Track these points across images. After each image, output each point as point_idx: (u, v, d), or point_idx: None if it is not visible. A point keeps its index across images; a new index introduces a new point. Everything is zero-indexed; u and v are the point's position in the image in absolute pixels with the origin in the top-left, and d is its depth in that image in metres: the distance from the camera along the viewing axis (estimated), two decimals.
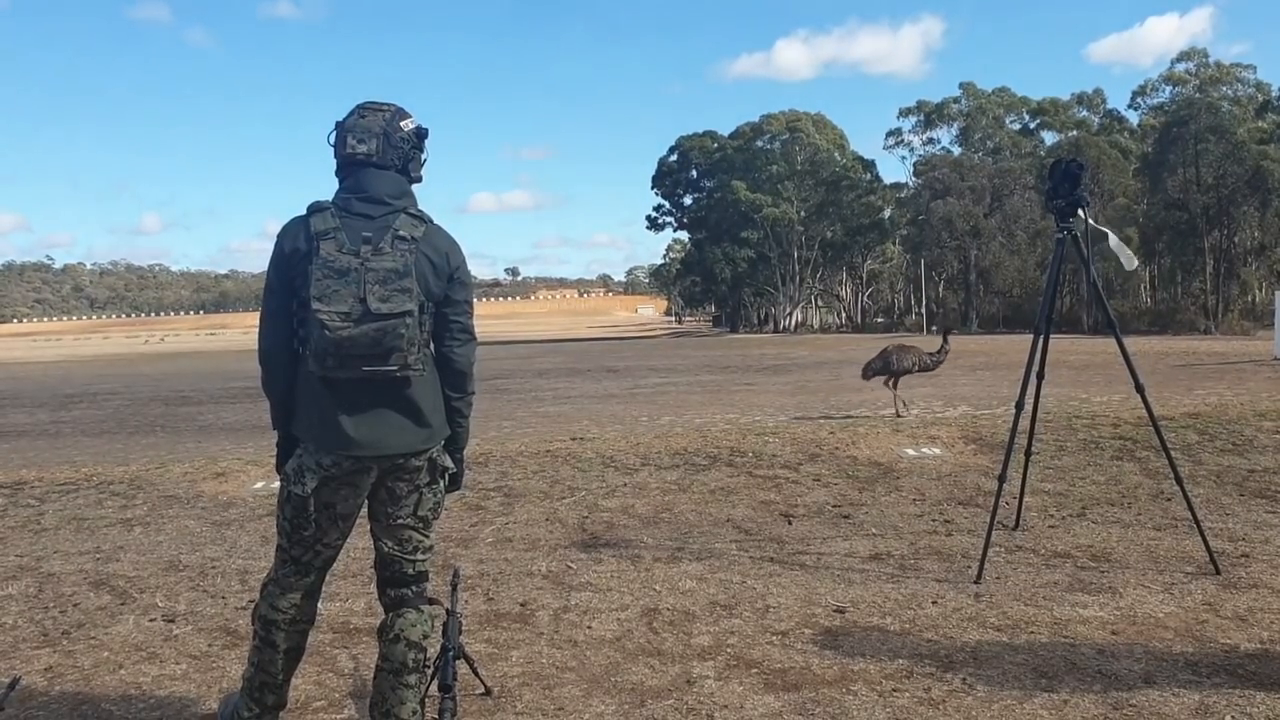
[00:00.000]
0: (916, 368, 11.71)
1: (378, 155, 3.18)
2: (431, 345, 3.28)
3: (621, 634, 4.48)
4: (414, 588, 3.35)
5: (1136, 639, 4.24)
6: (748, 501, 6.90)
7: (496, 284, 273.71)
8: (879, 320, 78.83)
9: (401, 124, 3.23)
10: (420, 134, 3.30)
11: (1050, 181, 5.34)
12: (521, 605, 4.93)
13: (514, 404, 14.81)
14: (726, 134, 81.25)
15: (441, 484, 3.37)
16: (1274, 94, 64.09)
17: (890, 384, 11.65)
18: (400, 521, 3.29)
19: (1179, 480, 5.34)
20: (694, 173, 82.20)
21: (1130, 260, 5.55)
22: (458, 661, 3.62)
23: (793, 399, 13.90)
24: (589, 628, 4.57)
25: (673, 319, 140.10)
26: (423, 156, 3.34)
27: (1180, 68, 69.20)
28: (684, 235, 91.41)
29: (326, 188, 3.35)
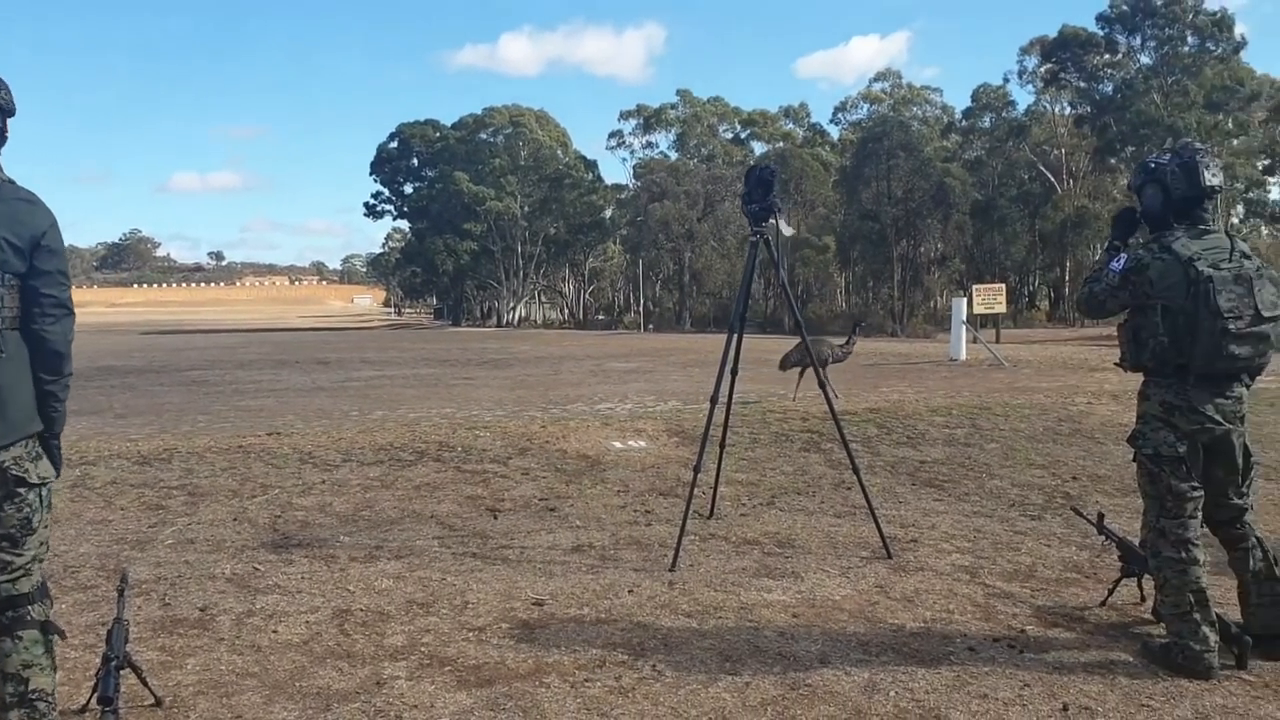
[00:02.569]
0: (831, 359, 12.52)
1: None
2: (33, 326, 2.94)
3: (310, 637, 4.28)
4: (13, 612, 2.97)
5: (815, 621, 4.49)
6: (454, 497, 6.80)
7: (199, 268, 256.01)
8: (600, 317, 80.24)
9: None
10: None
11: (746, 186, 5.57)
12: (201, 610, 4.62)
13: (211, 397, 13.94)
14: (449, 124, 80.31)
15: (27, 497, 2.95)
16: (957, 116, 70.52)
17: (815, 374, 11.93)
18: None
19: (856, 471, 5.72)
20: (415, 161, 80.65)
21: (788, 228, 5.84)
22: (124, 671, 3.35)
23: (512, 394, 13.86)
24: (274, 632, 4.35)
25: (392, 310, 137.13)
26: None
27: (877, 87, 74.82)
28: (404, 224, 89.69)
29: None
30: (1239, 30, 58.20)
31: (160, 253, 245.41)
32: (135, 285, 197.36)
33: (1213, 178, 3.98)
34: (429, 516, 6.34)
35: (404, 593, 4.88)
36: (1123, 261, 3.99)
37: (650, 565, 5.33)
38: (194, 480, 7.06)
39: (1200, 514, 4.07)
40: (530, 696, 3.66)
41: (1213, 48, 57.51)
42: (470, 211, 74.48)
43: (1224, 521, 4.16)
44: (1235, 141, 60.00)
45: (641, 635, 4.27)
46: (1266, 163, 63.59)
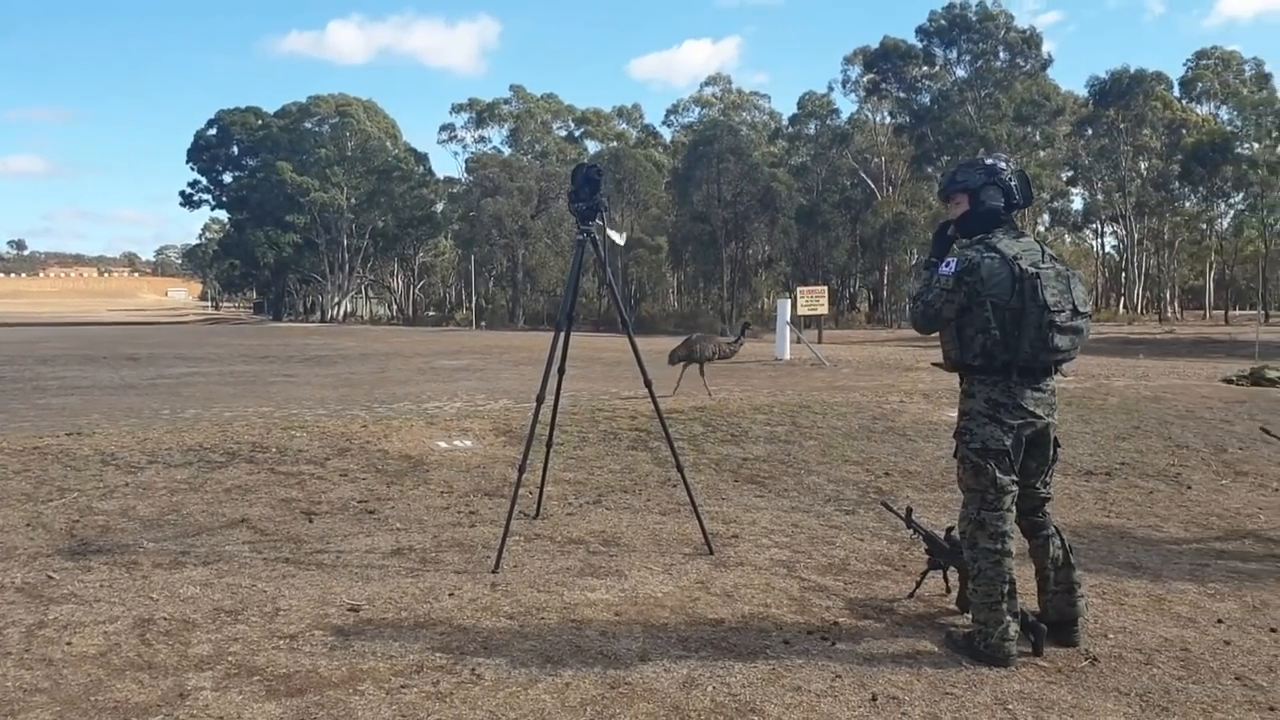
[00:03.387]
0: (717, 355, 13.03)
1: None
2: None
3: (108, 648, 4.04)
4: None
5: (637, 619, 4.51)
6: (267, 500, 6.53)
7: None
8: (430, 313, 79.09)
9: None
10: None
11: (573, 185, 5.56)
12: None
13: (8, 395, 13.01)
14: (272, 112, 77.55)
15: None
16: (784, 123, 72.56)
17: (699, 370, 12.84)
18: None
19: (680, 468, 5.80)
20: (236, 149, 77.58)
21: (620, 237, 5.89)
22: None
23: (335, 392, 13.46)
24: (69, 644, 4.09)
25: (209, 304, 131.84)
26: None
27: (708, 91, 76.28)
28: (223, 215, 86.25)
29: None
30: (1046, 48, 62.04)
31: None
32: None
33: (1032, 190, 4.34)
34: (240, 520, 6.08)
35: (211, 600, 4.66)
36: (954, 265, 4.16)
37: (473, 567, 5.25)
38: None
39: (1015, 507, 4.30)
40: (343, 705, 3.56)
41: (1022, 63, 61.00)
42: (293, 202, 72.13)
43: (1028, 511, 4.40)
44: (1042, 153, 63.81)
45: (461, 639, 4.20)
46: (1069, 174, 67.83)
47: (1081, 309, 4.15)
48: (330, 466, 7.32)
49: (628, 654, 4.09)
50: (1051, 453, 4.37)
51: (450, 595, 4.78)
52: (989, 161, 4.34)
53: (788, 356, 19.62)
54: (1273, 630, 4.65)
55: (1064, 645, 4.29)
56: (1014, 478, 4.23)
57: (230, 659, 3.96)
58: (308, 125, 76.16)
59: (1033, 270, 4.06)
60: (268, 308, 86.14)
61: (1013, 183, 4.25)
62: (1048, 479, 4.41)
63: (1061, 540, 4.41)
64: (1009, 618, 4.15)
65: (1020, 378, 4.14)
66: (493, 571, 5.14)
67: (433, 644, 4.14)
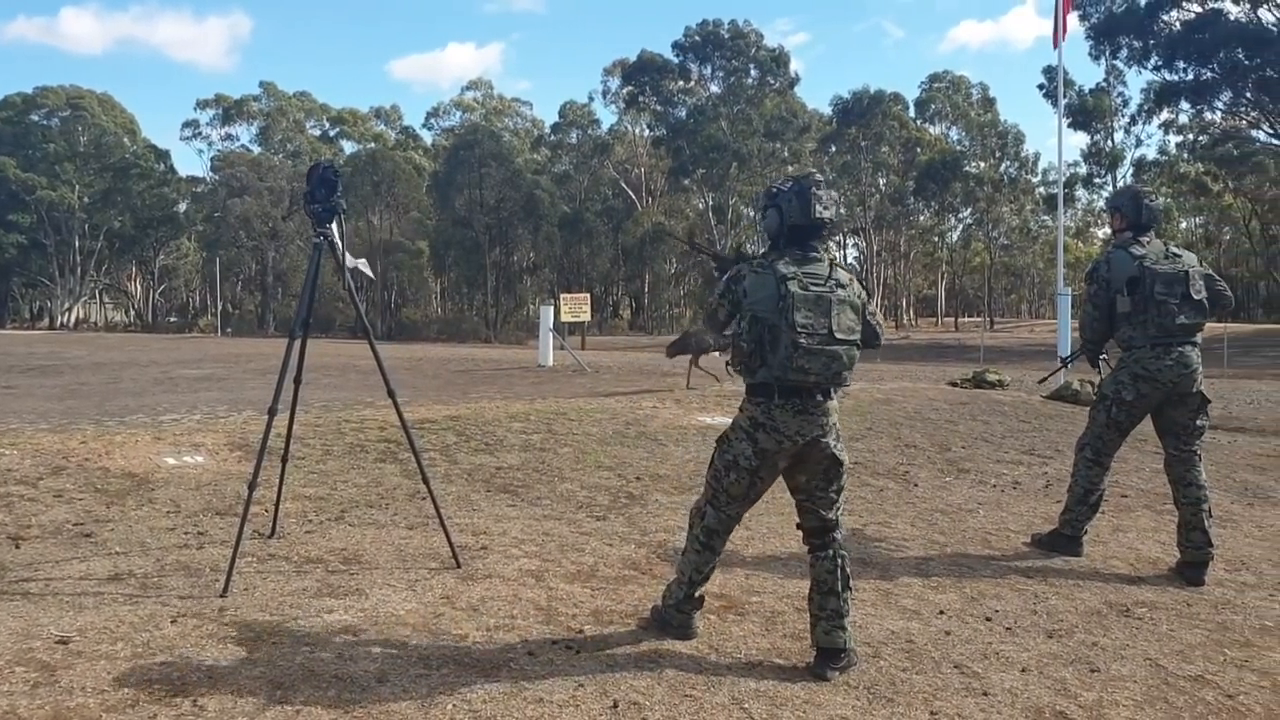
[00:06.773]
0: (714, 346, 13.39)
1: None
2: None
3: None
4: None
5: (377, 639, 4.35)
6: None
7: None
8: (173, 319, 74.72)
9: None
10: None
11: (308, 185, 5.32)
12: None
13: None
14: None
15: None
16: (547, 131, 72.91)
17: (693, 362, 13.57)
18: None
19: (425, 479, 5.64)
20: None
21: (363, 265, 5.74)
22: None
23: (59, 404, 12.38)
24: None
25: None
26: None
27: (469, 95, 75.72)
28: None
29: None
30: (794, 67, 65.20)
31: None
32: None
33: (823, 210, 4.25)
34: None
35: None
36: (727, 274, 4.39)
37: (199, 592, 4.92)
38: None
39: (740, 517, 4.50)
40: None
41: (772, 81, 63.84)
42: (18, 200, 66.47)
43: (811, 531, 4.43)
44: (790, 168, 66.92)
45: (183, 669, 3.92)
46: None
47: (841, 335, 4.14)
48: (43, 486, 6.70)
49: (365, 676, 3.93)
50: (830, 471, 4.32)
51: (172, 622, 4.45)
52: (772, 185, 4.42)
53: (550, 363, 19.65)
54: (988, 619, 5.00)
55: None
56: (750, 498, 4.41)
57: None
58: (34, 118, 70.34)
59: (795, 291, 4.09)
60: None
61: (785, 204, 4.26)
62: (832, 500, 4.36)
63: (835, 568, 4.35)
64: (688, 600, 4.49)
65: (781, 399, 4.16)
66: (221, 596, 4.83)
67: (150, 676, 3.84)
